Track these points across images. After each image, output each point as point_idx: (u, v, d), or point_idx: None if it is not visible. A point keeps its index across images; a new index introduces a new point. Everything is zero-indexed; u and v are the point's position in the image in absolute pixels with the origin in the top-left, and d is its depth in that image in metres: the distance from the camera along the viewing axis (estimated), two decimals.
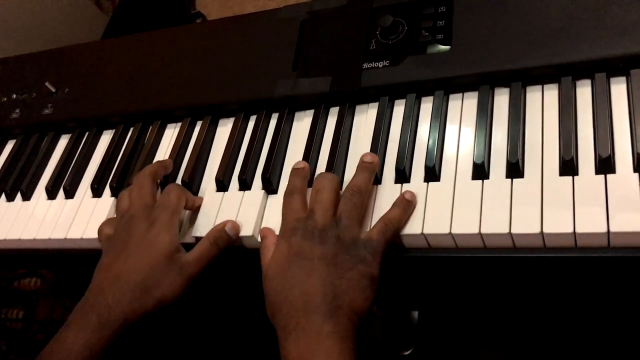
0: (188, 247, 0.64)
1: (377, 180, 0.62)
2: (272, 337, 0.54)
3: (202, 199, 0.69)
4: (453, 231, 0.55)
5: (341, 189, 0.62)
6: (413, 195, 0.59)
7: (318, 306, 0.52)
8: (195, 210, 0.69)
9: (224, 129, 0.77)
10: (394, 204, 0.58)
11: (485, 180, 0.57)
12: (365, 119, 0.69)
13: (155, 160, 0.77)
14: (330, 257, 0.55)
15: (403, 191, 0.59)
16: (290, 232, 0.58)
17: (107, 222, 0.68)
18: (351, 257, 0.55)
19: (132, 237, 0.62)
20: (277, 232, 0.62)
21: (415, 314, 0.95)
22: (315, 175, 0.62)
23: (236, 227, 0.63)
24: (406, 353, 0.91)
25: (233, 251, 0.65)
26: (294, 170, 0.64)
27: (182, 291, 0.61)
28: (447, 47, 0.65)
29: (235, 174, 0.70)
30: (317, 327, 0.51)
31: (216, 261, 0.63)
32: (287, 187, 0.63)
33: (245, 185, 0.68)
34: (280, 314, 0.54)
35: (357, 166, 0.62)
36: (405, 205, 0.58)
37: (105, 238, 0.66)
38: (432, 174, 0.60)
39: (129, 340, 0.60)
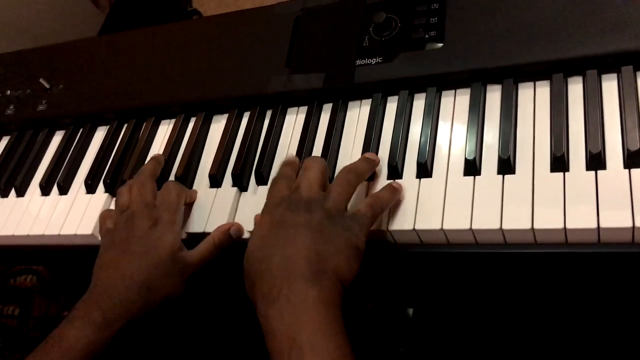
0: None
1: (370, 176, 0.62)
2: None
3: (196, 192, 0.70)
4: (444, 227, 0.55)
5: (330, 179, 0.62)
6: (400, 186, 0.59)
7: (301, 271, 0.50)
8: (191, 203, 0.69)
9: (217, 125, 0.77)
10: (383, 188, 0.58)
11: (476, 177, 0.57)
12: (358, 115, 0.69)
13: (149, 157, 0.77)
14: (314, 224, 0.53)
15: (390, 182, 0.60)
16: (273, 206, 0.57)
17: (108, 214, 0.67)
18: (336, 226, 0.53)
19: (135, 236, 0.62)
20: None
21: (410, 310, 0.95)
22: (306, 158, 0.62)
23: (241, 230, 0.64)
24: (401, 350, 0.91)
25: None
26: (285, 162, 0.64)
27: (183, 289, 0.61)
28: (439, 44, 0.65)
29: (229, 170, 0.70)
30: (302, 294, 0.49)
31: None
32: (276, 175, 0.62)
33: (239, 181, 0.68)
34: (261, 282, 0.52)
35: (360, 157, 0.62)
36: (393, 190, 0.58)
37: (105, 232, 0.66)
38: (424, 170, 0.60)
39: (129, 338, 0.60)
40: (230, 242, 0.63)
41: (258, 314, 0.51)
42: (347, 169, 0.59)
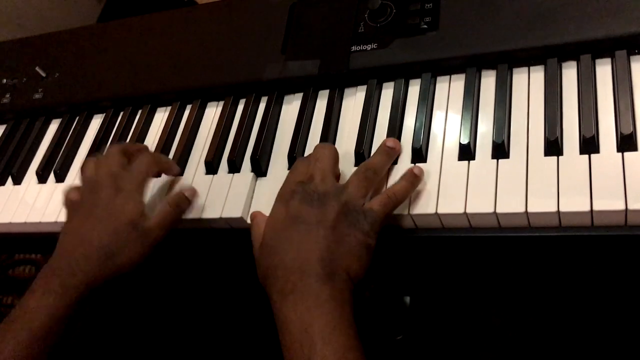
0: (179, 231, 0.64)
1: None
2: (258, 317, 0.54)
3: (174, 163, 0.71)
4: (439, 211, 0.56)
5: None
6: (421, 170, 0.58)
7: (314, 269, 0.52)
8: (173, 174, 0.70)
9: (213, 113, 0.77)
10: (401, 177, 0.58)
11: (471, 161, 0.58)
12: (353, 101, 0.69)
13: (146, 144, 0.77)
14: (328, 221, 0.54)
15: (411, 166, 0.59)
16: (288, 195, 0.57)
17: (73, 188, 0.67)
18: (349, 224, 0.54)
19: (98, 204, 0.62)
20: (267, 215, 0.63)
21: (407, 299, 0.95)
22: (315, 145, 0.62)
23: (193, 190, 0.66)
24: (399, 338, 0.92)
25: (221, 232, 0.65)
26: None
27: (144, 257, 0.61)
28: (434, 30, 0.65)
29: (225, 156, 0.71)
30: (315, 292, 0.51)
31: (204, 243, 0.63)
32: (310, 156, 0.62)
33: (234, 167, 0.69)
34: (275, 276, 0.54)
35: (378, 148, 0.61)
36: (414, 180, 0.57)
37: (69, 203, 0.66)
38: (419, 155, 0.60)
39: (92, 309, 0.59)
40: (187, 202, 0.65)
41: (273, 307, 0.53)
42: (367, 165, 0.58)
